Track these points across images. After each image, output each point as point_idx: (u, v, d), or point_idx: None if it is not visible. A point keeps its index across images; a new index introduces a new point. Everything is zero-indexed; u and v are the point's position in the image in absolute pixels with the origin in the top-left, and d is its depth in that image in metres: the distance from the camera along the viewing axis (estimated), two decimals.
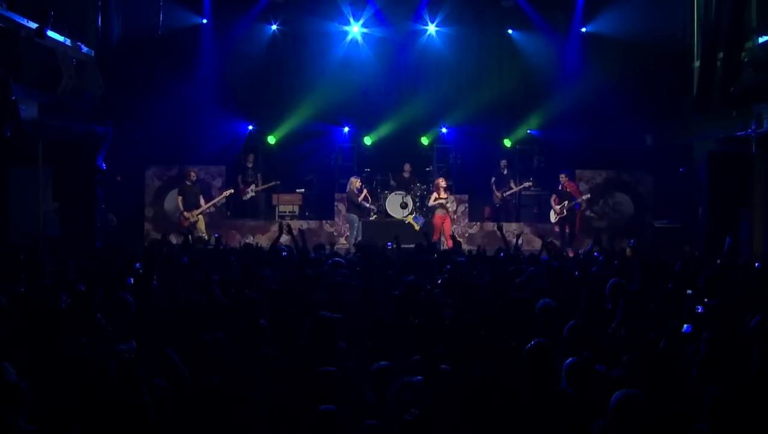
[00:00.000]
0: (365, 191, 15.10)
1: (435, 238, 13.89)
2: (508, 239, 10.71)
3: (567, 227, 15.35)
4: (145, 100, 14.98)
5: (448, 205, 14.69)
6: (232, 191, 15.76)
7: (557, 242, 13.08)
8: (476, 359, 4.85)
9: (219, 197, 15.55)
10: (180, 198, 15.18)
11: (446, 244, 13.72)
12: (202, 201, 15.17)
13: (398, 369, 4.78)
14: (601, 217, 16.29)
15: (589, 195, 15.77)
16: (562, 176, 15.42)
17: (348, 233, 15.68)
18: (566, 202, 15.17)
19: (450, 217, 14.85)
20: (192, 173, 15.27)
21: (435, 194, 14.80)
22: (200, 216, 15.08)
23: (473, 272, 8.29)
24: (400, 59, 17.27)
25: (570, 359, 4.58)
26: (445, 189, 14.77)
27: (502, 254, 9.62)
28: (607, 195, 16.31)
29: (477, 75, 17.28)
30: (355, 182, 15.04)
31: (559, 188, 15.43)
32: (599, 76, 15.93)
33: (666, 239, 14.47)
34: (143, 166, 16.18)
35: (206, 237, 14.19)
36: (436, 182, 15.02)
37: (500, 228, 10.82)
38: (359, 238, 14.38)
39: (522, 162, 17.57)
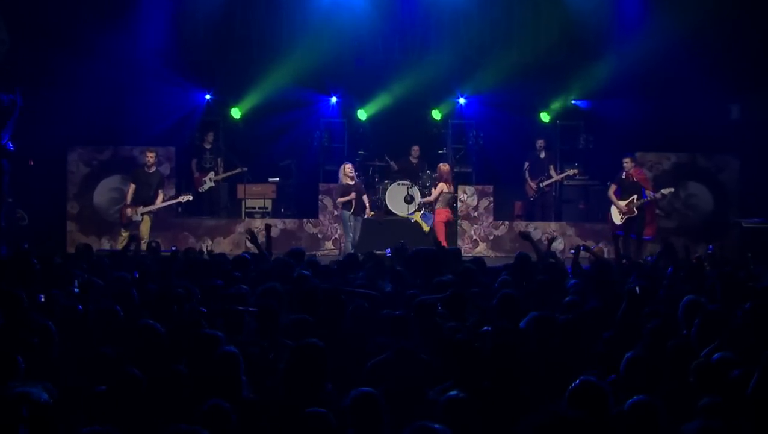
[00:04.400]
0: (355, 192, 14.42)
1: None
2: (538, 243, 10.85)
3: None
4: (66, 59, 14.94)
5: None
6: (191, 198, 15.28)
7: (602, 248, 12.89)
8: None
9: (173, 201, 15.15)
10: (132, 187, 14.80)
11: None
12: (159, 197, 14.81)
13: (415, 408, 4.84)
14: (669, 214, 16.17)
15: (672, 189, 14.75)
16: (627, 160, 14.33)
17: (336, 236, 15.62)
18: (634, 197, 14.23)
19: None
20: (150, 155, 14.78)
21: (443, 185, 14.30)
22: (148, 216, 14.68)
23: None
24: (405, 8, 17.27)
25: (634, 398, 4.57)
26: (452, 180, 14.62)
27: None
28: (678, 186, 16.15)
29: (506, 29, 17.34)
30: (346, 170, 14.53)
31: (623, 176, 14.35)
32: (667, 29, 15.92)
33: (757, 243, 14.37)
34: (65, 147, 16.16)
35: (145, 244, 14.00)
36: (442, 168, 14.54)
37: (527, 236, 10.84)
38: (355, 241, 14.13)
39: (564, 142, 17.61)
